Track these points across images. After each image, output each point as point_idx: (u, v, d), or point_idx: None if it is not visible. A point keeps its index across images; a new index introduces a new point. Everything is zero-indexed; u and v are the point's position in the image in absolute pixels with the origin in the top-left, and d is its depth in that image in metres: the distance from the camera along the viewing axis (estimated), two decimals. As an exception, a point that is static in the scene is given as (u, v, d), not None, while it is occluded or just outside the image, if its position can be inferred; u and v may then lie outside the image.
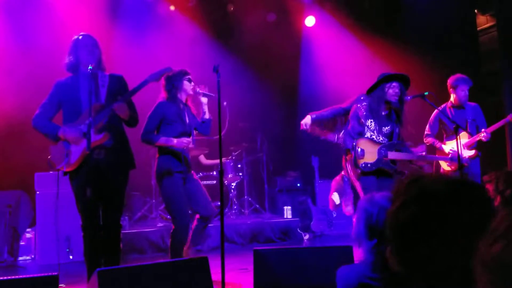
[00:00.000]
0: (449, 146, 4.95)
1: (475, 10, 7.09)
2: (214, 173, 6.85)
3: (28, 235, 5.47)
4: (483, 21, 7.12)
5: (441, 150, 5.03)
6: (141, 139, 3.94)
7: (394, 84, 4.09)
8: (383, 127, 4.15)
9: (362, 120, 4.15)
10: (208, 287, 2.72)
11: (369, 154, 4.08)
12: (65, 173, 3.49)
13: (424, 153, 4.37)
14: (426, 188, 0.98)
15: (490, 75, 6.48)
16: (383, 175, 4.12)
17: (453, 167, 4.87)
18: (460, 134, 4.77)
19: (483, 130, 4.78)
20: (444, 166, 4.99)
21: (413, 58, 6.84)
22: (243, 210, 7.11)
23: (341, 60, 7.56)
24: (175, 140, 3.85)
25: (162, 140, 3.87)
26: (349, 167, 4.19)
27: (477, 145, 4.90)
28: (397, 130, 4.18)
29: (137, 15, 7.09)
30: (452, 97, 5.00)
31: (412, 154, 4.18)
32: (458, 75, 4.98)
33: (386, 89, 4.09)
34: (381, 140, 4.13)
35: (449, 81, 5.00)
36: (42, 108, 3.53)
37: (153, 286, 2.51)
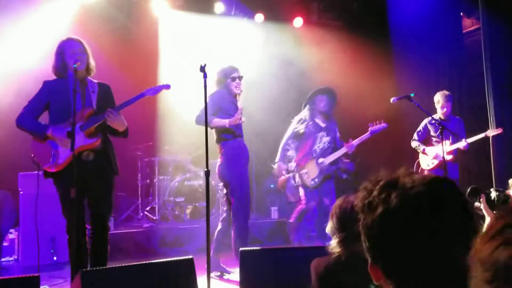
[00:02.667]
0: (433, 151, 5.36)
1: (461, 13, 7.17)
2: (201, 173, 6.82)
3: (11, 236, 5.38)
4: (469, 24, 7.20)
5: (424, 153, 5.42)
6: (196, 121, 4.32)
7: (320, 97, 4.84)
8: (323, 138, 4.85)
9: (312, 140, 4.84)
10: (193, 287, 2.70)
11: (312, 169, 4.76)
12: (47, 175, 3.41)
13: (353, 142, 4.87)
14: (407, 194, 0.89)
15: (475, 77, 6.56)
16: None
17: (433, 167, 5.33)
18: (445, 142, 5.14)
19: (463, 139, 5.14)
20: (424, 165, 5.44)
21: (399, 60, 6.90)
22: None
23: (328, 61, 7.58)
24: (227, 120, 4.24)
25: (216, 121, 4.28)
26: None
27: (457, 153, 5.28)
28: (336, 136, 4.91)
29: (124, 14, 7.04)
30: (438, 111, 5.35)
31: (343, 148, 4.83)
32: (441, 92, 5.38)
33: (317, 102, 4.86)
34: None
35: (435, 98, 5.40)
36: (28, 107, 3.46)
37: (137, 287, 2.48)
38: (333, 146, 4.89)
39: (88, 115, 3.38)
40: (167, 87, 3.62)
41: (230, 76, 4.36)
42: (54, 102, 3.45)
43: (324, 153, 4.82)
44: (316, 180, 4.71)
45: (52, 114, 3.46)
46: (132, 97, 3.45)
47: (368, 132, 4.86)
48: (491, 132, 5.23)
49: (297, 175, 4.76)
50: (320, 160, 4.76)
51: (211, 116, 4.11)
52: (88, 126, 3.35)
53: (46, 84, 3.51)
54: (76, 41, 3.51)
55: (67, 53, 3.44)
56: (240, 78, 4.41)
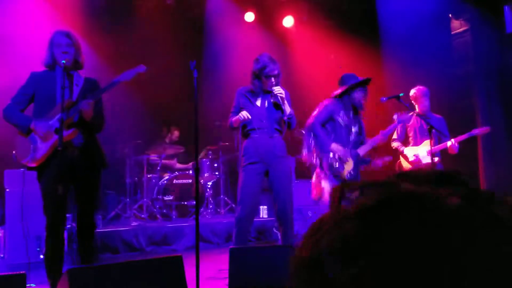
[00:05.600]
0: (412, 152, 5.15)
1: (449, 15, 7.23)
2: (190, 172, 6.80)
3: (-4, 234, 5.31)
4: (457, 25, 7.27)
5: (404, 155, 5.21)
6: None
7: (359, 89, 4.33)
8: (353, 127, 4.38)
9: (340, 119, 4.31)
10: (182, 286, 2.68)
11: (345, 161, 4.31)
12: (30, 168, 3.38)
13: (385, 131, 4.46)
14: None
15: (463, 78, 6.62)
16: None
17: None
18: (424, 142, 5.05)
19: (452, 140, 4.90)
20: (407, 167, 5.20)
21: (389, 60, 6.93)
22: (219, 210, 7.08)
23: (319, 60, 7.60)
24: (237, 116, 4.05)
25: (232, 120, 4.11)
26: (325, 169, 4.34)
27: (441, 155, 5.08)
28: (362, 125, 4.47)
29: (113, 13, 6.99)
30: (416, 108, 5.16)
31: (371, 141, 4.41)
32: (418, 87, 5.17)
33: (353, 94, 4.33)
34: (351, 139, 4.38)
35: (410, 94, 5.19)
36: (15, 99, 3.42)
37: (126, 285, 2.46)
38: (361, 138, 4.49)
39: (66, 107, 3.32)
40: (141, 68, 3.48)
41: (264, 74, 4.07)
42: (40, 93, 3.41)
43: (355, 145, 4.40)
44: (352, 173, 4.33)
45: (36, 106, 3.43)
46: (106, 84, 3.38)
47: (395, 122, 4.59)
48: (478, 131, 5.08)
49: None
50: (356, 152, 4.35)
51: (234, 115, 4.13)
52: (65, 118, 3.29)
53: (33, 75, 3.48)
54: (64, 34, 3.45)
55: (54, 45, 3.42)
56: (275, 76, 4.08)
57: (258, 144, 4.05)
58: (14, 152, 3.38)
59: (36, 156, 3.32)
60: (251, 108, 4.08)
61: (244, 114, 3.99)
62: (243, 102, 4.14)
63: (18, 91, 3.45)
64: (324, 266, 0.45)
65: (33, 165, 3.34)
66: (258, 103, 4.14)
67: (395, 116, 4.59)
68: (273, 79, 4.09)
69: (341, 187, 0.51)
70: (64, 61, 3.30)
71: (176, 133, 7.40)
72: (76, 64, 3.49)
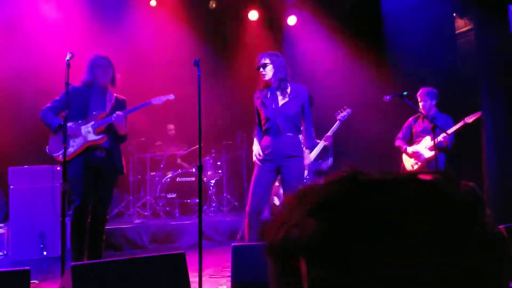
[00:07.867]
0: (412, 149, 5.19)
1: (454, 14, 7.20)
2: (193, 170, 6.81)
3: (0, 231, 5.33)
4: (461, 25, 7.23)
5: (406, 152, 5.25)
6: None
7: None
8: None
9: None
10: (184, 283, 2.69)
11: None
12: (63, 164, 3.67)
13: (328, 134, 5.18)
14: None
15: (467, 77, 6.59)
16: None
17: (418, 167, 5.14)
18: (425, 138, 5.09)
19: (444, 134, 4.84)
20: (408, 166, 5.25)
21: (393, 60, 6.91)
22: (222, 208, 7.08)
23: (322, 60, 7.59)
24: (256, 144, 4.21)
25: (254, 137, 4.28)
26: None
27: (440, 148, 4.98)
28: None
29: (118, 10, 7.00)
30: (421, 108, 5.12)
31: (321, 141, 5.13)
32: (423, 89, 5.16)
33: None
34: None
35: (417, 94, 5.16)
36: (53, 104, 3.92)
37: (128, 281, 2.46)
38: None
39: (100, 117, 3.93)
40: (171, 96, 4.17)
41: (257, 68, 4.15)
42: (75, 104, 3.82)
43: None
44: (308, 177, 4.64)
45: (70, 115, 3.77)
46: (138, 104, 4.05)
47: (337, 122, 5.21)
48: (469, 118, 4.93)
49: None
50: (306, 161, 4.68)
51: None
52: (99, 125, 3.90)
53: (72, 88, 3.85)
54: (103, 57, 4.02)
55: (96, 66, 3.96)
56: (260, 67, 4.13)
57: (270, 143, 4.10)
58: (47, 147, 3.88)
59: (68, 152, 3.71)
60: (265, 110, 4.13)
61: (256, 152, 4.14)
62: (258, 105, 4.21)
63: (57, 98, 3.96)
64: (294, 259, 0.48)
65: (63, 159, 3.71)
66: (271, 103, 4.16)
67: (337, 116, 5.17)
68: (261, 69, 4.12)
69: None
70: (68, 58, 3.51)
71: (170, 127, 7.42)
72: (113, 82, 4.04)
